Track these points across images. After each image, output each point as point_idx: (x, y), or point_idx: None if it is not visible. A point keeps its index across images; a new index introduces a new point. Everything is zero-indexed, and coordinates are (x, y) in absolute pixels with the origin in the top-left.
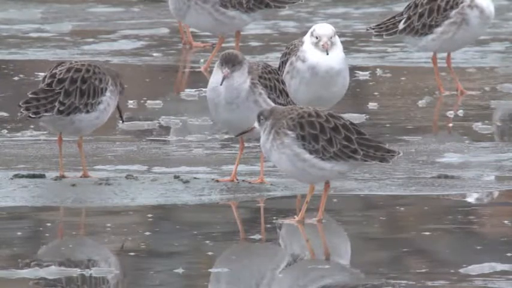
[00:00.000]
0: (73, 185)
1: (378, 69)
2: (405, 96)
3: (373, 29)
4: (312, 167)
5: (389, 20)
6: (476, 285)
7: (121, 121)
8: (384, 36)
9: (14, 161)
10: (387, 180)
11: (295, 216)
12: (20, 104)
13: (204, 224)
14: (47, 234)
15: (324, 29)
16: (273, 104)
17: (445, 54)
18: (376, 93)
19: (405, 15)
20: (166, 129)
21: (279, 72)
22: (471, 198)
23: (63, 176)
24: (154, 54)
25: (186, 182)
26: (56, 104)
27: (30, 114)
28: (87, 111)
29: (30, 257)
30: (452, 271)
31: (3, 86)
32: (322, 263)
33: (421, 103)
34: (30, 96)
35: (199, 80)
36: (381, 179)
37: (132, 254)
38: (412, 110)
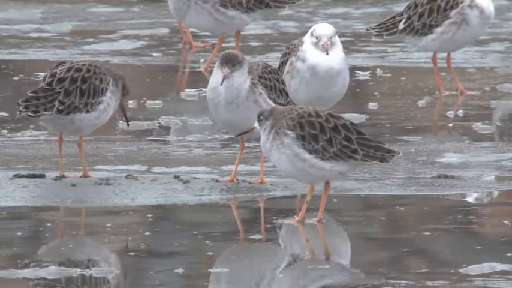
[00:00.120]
0: (73, 185)
1: (378, 69)
2: (405, 96)
3: (373, 29)
4: (311, 167)
5: (389, 20)
6: (476, 285)
7: (126, 124)
8: (384, 36)
9: (14, 161)
10: (387, 180)
11: (295, 216)
12: (19, 102)
13: (204, 224)
14: (47, 234)
15: (324, 29)
16: (273, 104)
17: (445, 54)
18: (376, 93)
19: (405, 15)
20: (166, 129)
21: (279, 72)
22: (471, 198)
23: (63, 176)
24: (154, 54)
25: (186, 182)
26: (56, 103)
27: (30, 113)
28: (87, 111)
29: (30, 257)
30: (452, 271)
31: (3, 86)
32: (322, 263)
33: (421, 103)
34: (29, 95)
35: (199, 80)
36: (381, 179)
37: (132, 254)
38: (412, 110)
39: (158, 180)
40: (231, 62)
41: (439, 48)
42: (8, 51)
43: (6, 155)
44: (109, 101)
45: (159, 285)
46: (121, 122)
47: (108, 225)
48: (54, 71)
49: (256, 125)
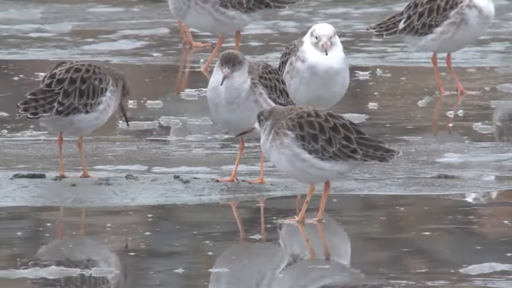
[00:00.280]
0: (73, 185)
1: (378, 69)
2: (405, 96)
3: (374, 28)
4: (311, 167)
5: (389, 19)
6: (476, 285)
7: (126, 124)
8: (384, 36)
9: (14, 161)
10: (387, 180)
11: (295, 216)
12: (18, 104)
13: (204, 224)
14: (47, 234)
15: (323, 29)
16: (273, 104)
17: (445, 54)
18: (376, 93)
19: (405, 15)
20: (166, 129)
21: (279, 72)
22: (471, 198)
23: (63, 176)
24: (154, 54)
25: (186, 182)
26: (55, 104)
27: (29, 115)
28: (87, 112)
29: (30, 257)
30: (452, 271)
31: (3, 86)
32: (322, 263)
33: (421, 103)
34: (28, 97)
35: (199, 80)
36: (381, 179)
37: (132, 254)
38: (412, 110)
39: (158, 180)
40: (231, 62)
41: (439, 48)
42: (8, 51)
43: (6, 155)
44: (108, 101)
45: (159, 285)
46: (121, 122)
47: (108, 225)
48: (53, 71)
49: (256, 125)
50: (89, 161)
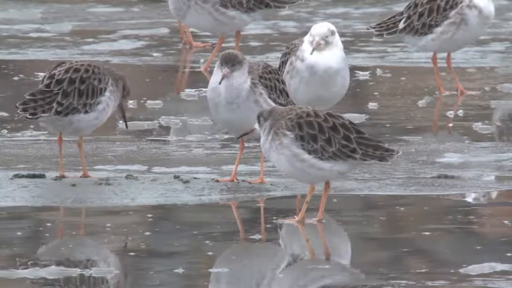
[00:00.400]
0: (73, 185)
1: (378, 69)
2: (405, 96)
3: (374, 28)
4: (311, 167)
5: (389, 19)
6: (476, 285)
7: (125, 126)
8: (385, 36)
9: (14, 161)
10: (387, 180)
11: (295, 216)
12: (17, 105)
13: (204, 224)
14: (47, 234)
15: (318, 28)
16: (273, 104)
17: (445, 54)
18: (376, 93)
19: (405, 15)
20: (166, 129)
21: (279, 72)
22: (471, 198)
23: (63, 176)
24: (154, 54)
25: (186, 182)
26: (54, 104)
27: (28, 115)
28: (86, 112)
29: (30, 257)
30: (452, 271)
31: (3, 86)
32: (322, 263)
33: (421, 103)
34: (27, 97)
35: (199, 80)
36: (381, 179)
37: (132, 254)
38: (412, 110)
39: (158, 180)
40: (230, 62)
41: (439, 48)
42: (8, 51)
43: (6, 155)
44: (108, 101)
45: (159, 285)
46: (121, 122)
47: (108, 225)
48: (52, 72)
49: (256, 126)
50: (89, 161)
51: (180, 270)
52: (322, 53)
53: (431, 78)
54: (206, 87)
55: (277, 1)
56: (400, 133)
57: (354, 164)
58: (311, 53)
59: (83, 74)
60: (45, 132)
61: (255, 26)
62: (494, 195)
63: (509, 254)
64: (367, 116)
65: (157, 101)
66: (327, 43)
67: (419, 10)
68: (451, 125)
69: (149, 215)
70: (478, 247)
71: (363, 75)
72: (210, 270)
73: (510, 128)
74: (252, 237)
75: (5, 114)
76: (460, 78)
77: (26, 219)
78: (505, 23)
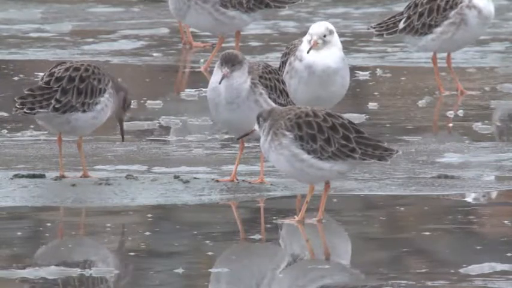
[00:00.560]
0: (73, 185)
1: (378, 69)
2: (405, 96)
3: (374, 28)
4: (310, 167)
5: (389, 19)
6: (476, 285)
7: (122, 140)
8: (385, 36)
9: (14, 161)
10: (387, 180)
11: (295, 216)
12: (15, 99)
13: (204, 224)
14: (47, 234)
15: (315, 27)
16: (273, 104)
17: (445, 54)
18: (376, 93)
19: (405, 15)
20: (166, 129)
21: (279, 72)
22: (471, 198)
23: (63, 176)
24: (154, 54)
25: (186, 182)
26: (52, 101)
27: (25, 110)
28: (84, 111)
29: (30, 257)
30: (452, 271)
31: (3, 86)
32: (322, 263)
33: (421, 103)
34: (26, 92)
35: (199, 80)
36: (381, 179)
37: (132, 254)
38: (412, 110)
39: (158, 180)
40: (230, 62)
41: (439, 48)
42: (8, 51)
43: (6, 155)
44: (107, 102)
45: (159, 285)
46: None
47: (108, 225)
48: (52, 70)
49: (256, 126)
50: (89, 161)
51: (180, 270)
52: (320, 53)
53: (431, 78)
54: (206, 87)
55: (277, 1)
56: (400, 133)
57: (354, 163)
58: (308, 52)
59: (83, 73)
60: (45, 132)
61: (255, 26)
62: (494, 195)
63: (509, 254)
64: (367, 116)
65: (157, 101)
66: (325, 42)
67: (419, 10)
68: (451, 125)
69: (149, 215)
70: (478, 247)
71: (362, 75)
72: (210, 270)
73: (510, 128)
74: (252, 237)
75: (5, 114)
76: (460, 78)
77: (26, 219)
78: (505, 23)
